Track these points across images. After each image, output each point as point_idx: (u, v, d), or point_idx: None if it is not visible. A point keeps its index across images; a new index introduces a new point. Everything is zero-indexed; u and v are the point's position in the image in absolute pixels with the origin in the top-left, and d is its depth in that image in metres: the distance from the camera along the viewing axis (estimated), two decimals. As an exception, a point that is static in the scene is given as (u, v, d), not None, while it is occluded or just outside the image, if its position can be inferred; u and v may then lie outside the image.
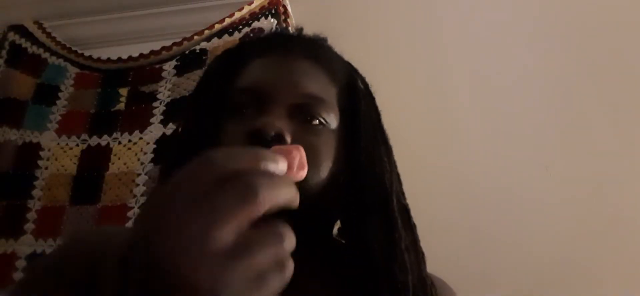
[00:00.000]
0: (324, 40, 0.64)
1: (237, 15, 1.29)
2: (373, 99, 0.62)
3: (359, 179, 0.55)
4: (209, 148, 0.52)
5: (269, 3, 1.28)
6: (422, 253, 0.56)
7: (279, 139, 0.48)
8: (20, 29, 1.39)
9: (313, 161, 0.49)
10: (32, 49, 1.36)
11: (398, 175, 0.60)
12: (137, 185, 1.14)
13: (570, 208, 1.07)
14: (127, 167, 1.17)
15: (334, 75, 0.58)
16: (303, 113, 0.53)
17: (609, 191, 1.07)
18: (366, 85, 0.63)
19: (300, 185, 0.48)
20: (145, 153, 1.17)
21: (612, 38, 1.19)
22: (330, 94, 0.56)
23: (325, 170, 0.51)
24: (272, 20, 1.25)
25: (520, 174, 1.11)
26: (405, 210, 0.57)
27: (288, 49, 0.58)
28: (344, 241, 0.58)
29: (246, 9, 1.29)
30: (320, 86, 0.55)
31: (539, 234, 1.06)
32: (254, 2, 1.29)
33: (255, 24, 1.26)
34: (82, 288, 0.49)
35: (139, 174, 1.15)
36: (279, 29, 1.16)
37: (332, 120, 0.54)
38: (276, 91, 0.53)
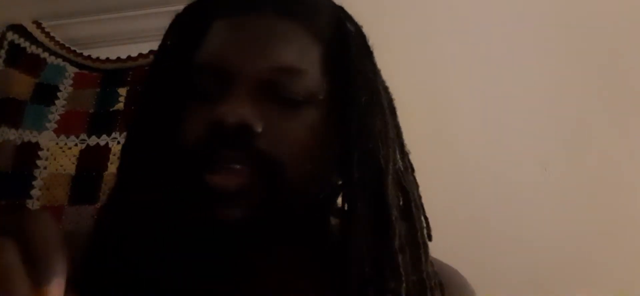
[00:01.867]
0: None
1: (236, 15, 1.28)
2: (369, 51, 0.51)
3: (349, 157, 0.44)
4: (170, 139, 0.43)
5: (268, 3, 1.28)
6: (425, 245, 0.47)
7: (244, 131, 0.39)
8: (19, 29, 1.39)
9: (291, 152, 0.41)
10: (31, 48, 1.36)
11: (402, 145, 0.50)
12: (136, 185, 1.14)
13: (569, 208, 1.07)
14: (126, 167, 1.17)
15: (316, 30, 0.46)
16: (276, 91, 0.42)
17: (607, 192, 1.07)
18: (360, 33, 0.51)
19: (278, 182, 0.40)
20: (144, 153, 1.17)
21: (611, 37, 1.19)
22: (312, 58, 0.44)
23: (307, 160, 0.42)
24: (271, 20, 1.24)
25: (519, 174, 1.11)
26: (404, 191, 0.47)
27: (256, 3, 0.45)
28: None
29: (245, 9, 1.29)
30: (297, 51, 0.43)
31: (537, 234, 1.06)
32: (253, 2, 1.29)
33: (254, 24, 1.26)
34: None
35: (137, 174, 1.15)
36: None
37: (316, 92, 0.43)
38: (240, 66, 0.41)
